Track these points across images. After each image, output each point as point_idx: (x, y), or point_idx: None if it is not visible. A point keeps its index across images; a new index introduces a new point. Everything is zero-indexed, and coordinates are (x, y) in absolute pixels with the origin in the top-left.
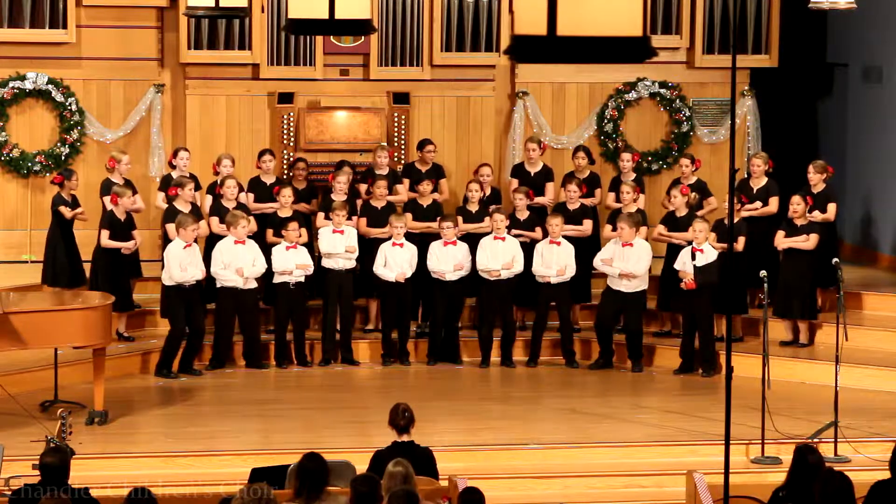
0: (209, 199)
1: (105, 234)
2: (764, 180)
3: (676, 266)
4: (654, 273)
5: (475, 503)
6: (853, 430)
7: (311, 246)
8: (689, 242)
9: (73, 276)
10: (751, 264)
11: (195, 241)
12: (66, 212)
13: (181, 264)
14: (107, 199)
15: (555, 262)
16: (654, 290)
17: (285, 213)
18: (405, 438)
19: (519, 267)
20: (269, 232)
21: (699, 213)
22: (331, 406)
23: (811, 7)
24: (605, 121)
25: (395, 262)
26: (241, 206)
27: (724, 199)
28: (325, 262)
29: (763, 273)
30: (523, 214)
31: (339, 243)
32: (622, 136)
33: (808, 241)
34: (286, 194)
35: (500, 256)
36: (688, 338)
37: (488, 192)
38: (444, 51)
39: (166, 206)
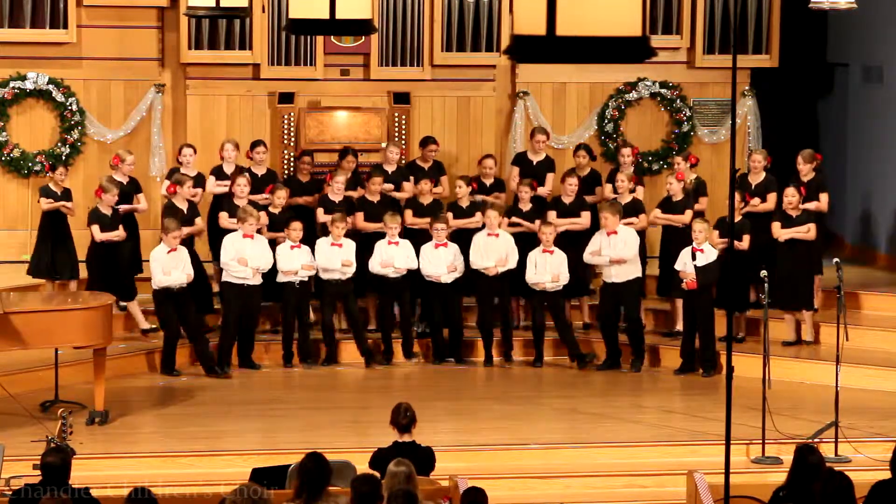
0: (212, 179)
1: (95, 228)
2: (763, 176)
3: (677, 267)
4: (652, 273)
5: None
6: (854, 430)
7: (310, 241)
8: (685, 228)
9: (66, 269)
10: (752, 261)
11: (186, 239)
12: (43, 202)
13: (164, 268)
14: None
15: (548, 270)
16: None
17: (278, 210)
18: (406, 438)
19: (512, 263)
20: (264, 228)
21: (696, 207)
22: (331, 406)
23: (811, 7)
24: (606, 121)
25: (390, 261)
26: (251, 203)
27: (725, 197)
28: (322, 275)
29: (763, 273)
30: (527, 206)
31: (335, 257)
32: (623, 136)
33: (808, 232)
34: (281, 196)
35: (493, 253)
36: (688, 337)
37: (491, 181)
38: (445, 51)
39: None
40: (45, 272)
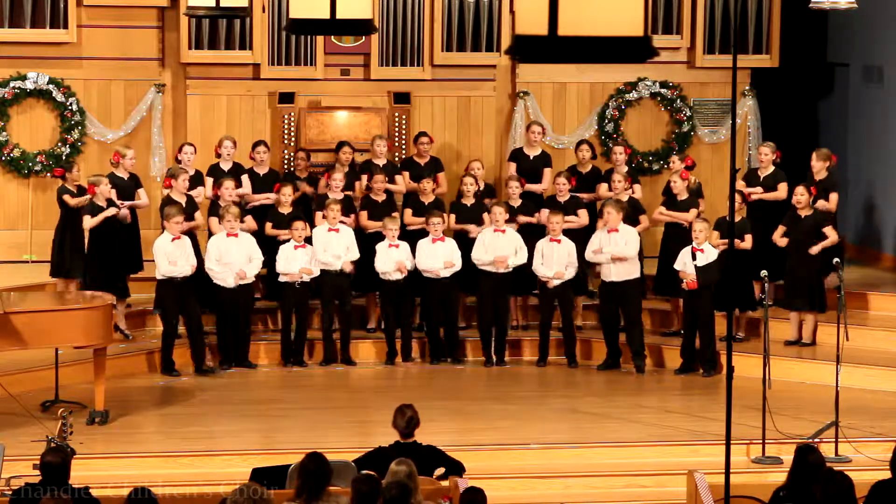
0: (208, 183)
1: (86, 218)
2: (771, 169)
3: (677, 266)
4: (650, 272)
5: (478, 503)
6: (854, 430)
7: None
8: (687, 228)
9: (79, 267)
10: (758, 259)
11: (188, 234)
12: (70, 199)
13: (169, 258)
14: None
15: (556, 260)
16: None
17: (286, 209)
18: (408, 439)
19: (523, 257)
20: (269, 225)
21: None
22: (331, 406)
23: (812, 7)
24: (606, 121)
25: (392, 263)
26: (239, 204)
27: (726, 196)
28: (321, 266)
29: (764, 273)
30: (516, 202)
31: (334, 243)
32: (623, 136)
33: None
34: (286, 192)
35: (500, 250)
36: (688, 337)
37: (482, 186)
38: (445, 51)
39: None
40: (67, 271)
